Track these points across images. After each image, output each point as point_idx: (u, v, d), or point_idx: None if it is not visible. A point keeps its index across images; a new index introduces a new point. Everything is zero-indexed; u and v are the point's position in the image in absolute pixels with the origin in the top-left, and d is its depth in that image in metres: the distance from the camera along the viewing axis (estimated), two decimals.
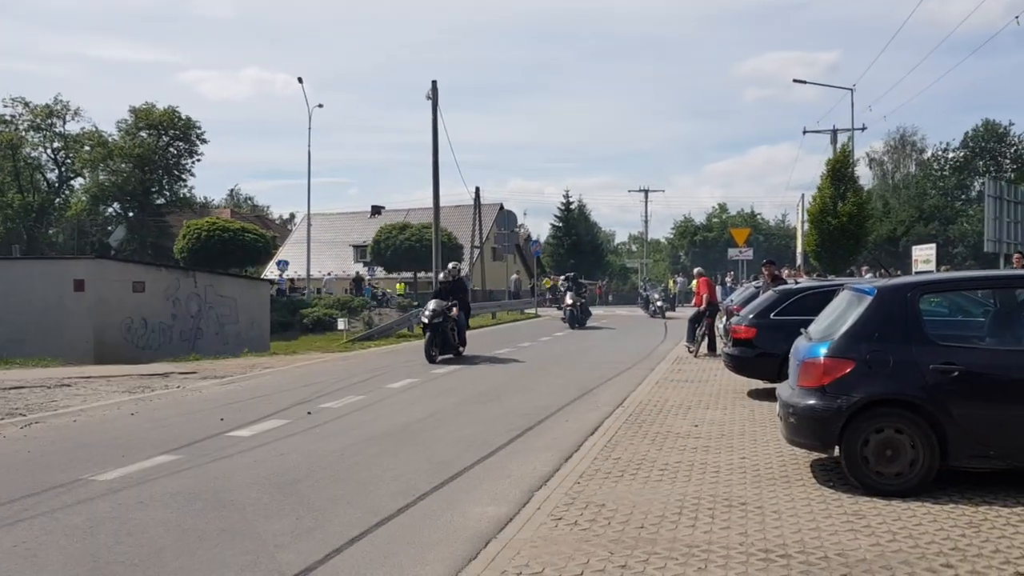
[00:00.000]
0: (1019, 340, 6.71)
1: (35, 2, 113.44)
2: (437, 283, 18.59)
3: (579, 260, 71.91)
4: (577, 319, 27.04)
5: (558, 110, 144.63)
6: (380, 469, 7.53)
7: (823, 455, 7.18)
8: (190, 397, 12.00)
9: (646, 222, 74.18)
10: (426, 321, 16.32)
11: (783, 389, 7.18)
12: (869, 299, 6.69)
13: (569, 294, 27.97)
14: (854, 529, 5.47)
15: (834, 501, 6.14)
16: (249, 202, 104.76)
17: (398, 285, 49.73)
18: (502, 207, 60.39)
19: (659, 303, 33.64)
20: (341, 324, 23.26)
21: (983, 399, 6.21)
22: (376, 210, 70.70)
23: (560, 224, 75.74)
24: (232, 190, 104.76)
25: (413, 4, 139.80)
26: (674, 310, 35.82)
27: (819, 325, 7.21)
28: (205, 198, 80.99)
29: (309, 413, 10.36)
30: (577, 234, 74.73)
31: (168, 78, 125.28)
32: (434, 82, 33.64)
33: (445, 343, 16.48)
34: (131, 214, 60.62)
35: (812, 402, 6.51)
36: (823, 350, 6.57)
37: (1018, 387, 6.19)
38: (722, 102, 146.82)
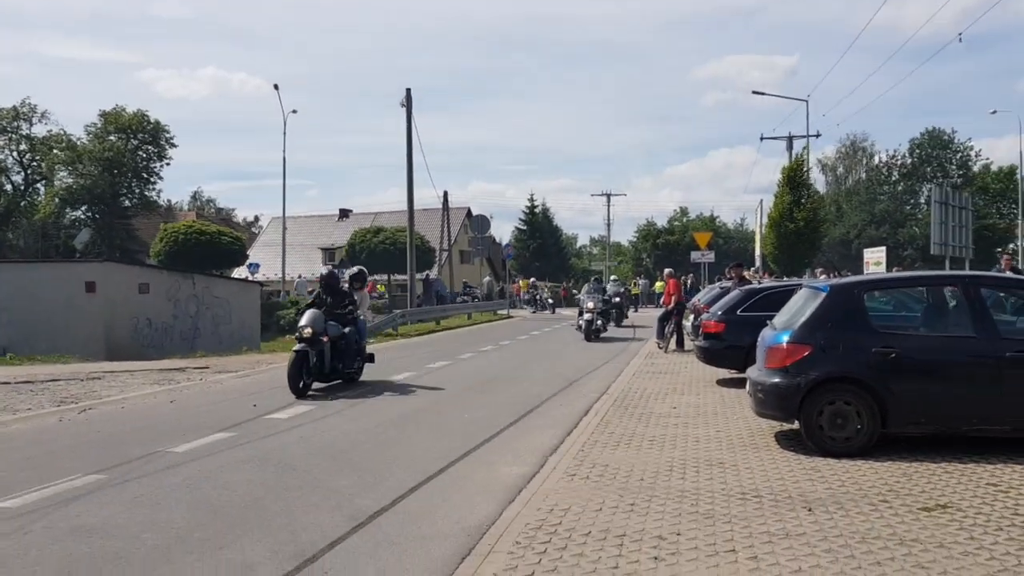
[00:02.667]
0: (945, 328, 8.17)
1: None
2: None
3: (544, 263, 73.47)
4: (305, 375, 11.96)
5: (519, 114, 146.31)
6: (410, 443, 8.78)
7: (784, 426, 8.60)
8: (215, 388, 13.12)
9: (608, 225, 76.11)
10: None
11: (752, 371, 8.57)
12: (823, 295, 8.10)
13: (307, 316, 12.65)
14: (812, 479, 6.85)
15: (795, 460, 7.52)
16: (212, 204, 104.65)
17: (379, 286, 50.64)
18: (470, 211, 61.80)
19: (589, 316, 21.93)
20: None
21: (916, 376, 7.63)
22: (344, 213, 71.59)
23: (525, 227, 77.28)
24: (196, 193, 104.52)
25: (373, 7, 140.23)
26: (626, 316, 29.05)
27: (782, 317, 8.62)
28: (169, 201, 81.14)
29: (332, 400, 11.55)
30: (542, 237, 76.28)
31: (124, 77, 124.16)
32: (408, 90, 34.80)
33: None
34: (97, 217, 60.62)
35: (776, 380, 7.90)
36: (786, 337, 7.97)
37: (944, 366, 7.63)
38: (682, 106, 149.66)
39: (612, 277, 30.63)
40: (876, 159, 72.03)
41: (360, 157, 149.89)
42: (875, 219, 65.87)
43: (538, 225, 76.87)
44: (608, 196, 75.05)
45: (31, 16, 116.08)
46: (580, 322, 22.57)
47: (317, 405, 11.10)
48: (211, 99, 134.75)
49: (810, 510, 5.92)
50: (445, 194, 54.37)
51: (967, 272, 10.50)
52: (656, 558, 4.96)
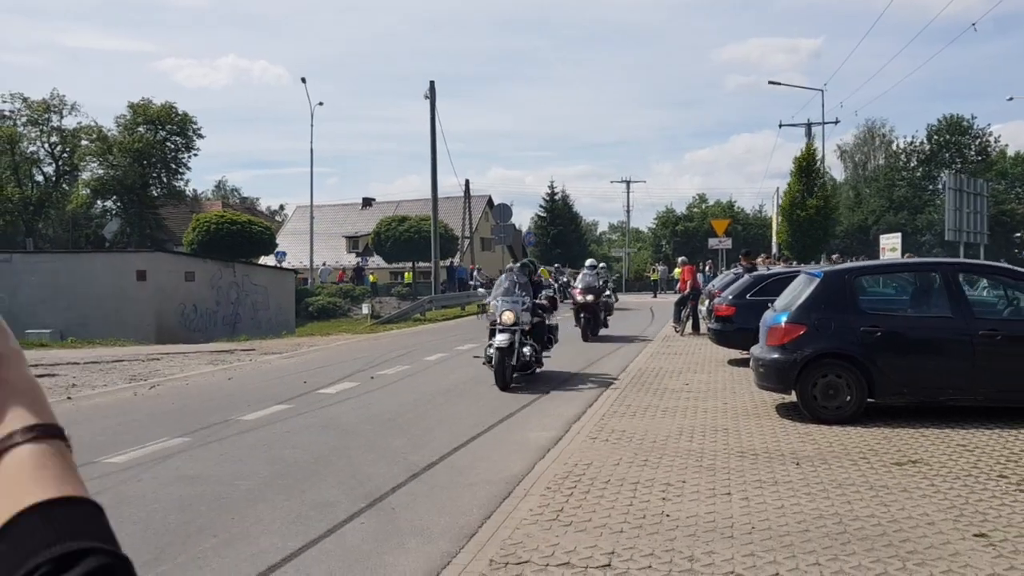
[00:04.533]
0: (926, 309, 9.14)
1: None
2: None
3: (564, 249, 74.34)
4: None
5: (538, 99, 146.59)
6: (448, 413, 9.86)
7: (784, 398, 9.60)
8: (265, 367, 14.29)
9: (628, 212, 76.74)
10: None
11: (755, 349, 9.58)
12: (818, 280, 9.09)
13: None
14: (803, 441, 7.85)
15: (791, 426, 8.53)
16: (236, 193, 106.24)
17: (406, 275, 51.80)
18: (491, 199, 62.97)
19: (504, 340, 11.60)
20: (365, 309, 25.63)
21: (899, 351, 8.61)
22: (367, 202, 72.99)
23: (545, 214, 78.11)
24: (220, 182, 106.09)
25: None
26: (605, 325, 19.97)
27: (782, 301, 9.61)
28: (194, 190, 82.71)
29: (372, 378, 12.68)
30: (562, 224, 77.06)
31: (144, 67, 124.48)
32: (432, 83, 35.75)
33: None
34: (131, 209, 62.23)
35: (776, 356, 8.90)
36: (784, 318, 8.97)
37: (923, 343, 8.61)
38: (703, 90, 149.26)
39: (588, 262, 20.46)
40: (895, 144, 72.28)
41: (379, 144, 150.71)
42: (893, 205, 66.17)
43: (558, 212, 77.59)
44: (628, 183, 75.81)
45: (47, 5, 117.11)
46: (489, 351, 12.00)
47: (360, 383, 12.21)
48: (232, 88, 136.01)
49: (798, 464, 6.94)
50: (467, 183, 55.47)
51: (948, 259, 11.44)
52: (664, 498, 6.00)
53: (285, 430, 8.70)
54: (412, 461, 7.36)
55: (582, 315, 18.58)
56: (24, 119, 64.62)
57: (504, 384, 11.51)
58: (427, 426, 8.98)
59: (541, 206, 78.99)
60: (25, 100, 64.24)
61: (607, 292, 20.93)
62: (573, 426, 8.88)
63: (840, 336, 8.70)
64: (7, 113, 63.45)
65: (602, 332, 19.38)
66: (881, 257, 34.35)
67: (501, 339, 11.64)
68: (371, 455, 7.60)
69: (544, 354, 12.84)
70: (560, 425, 9.01)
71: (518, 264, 14.12)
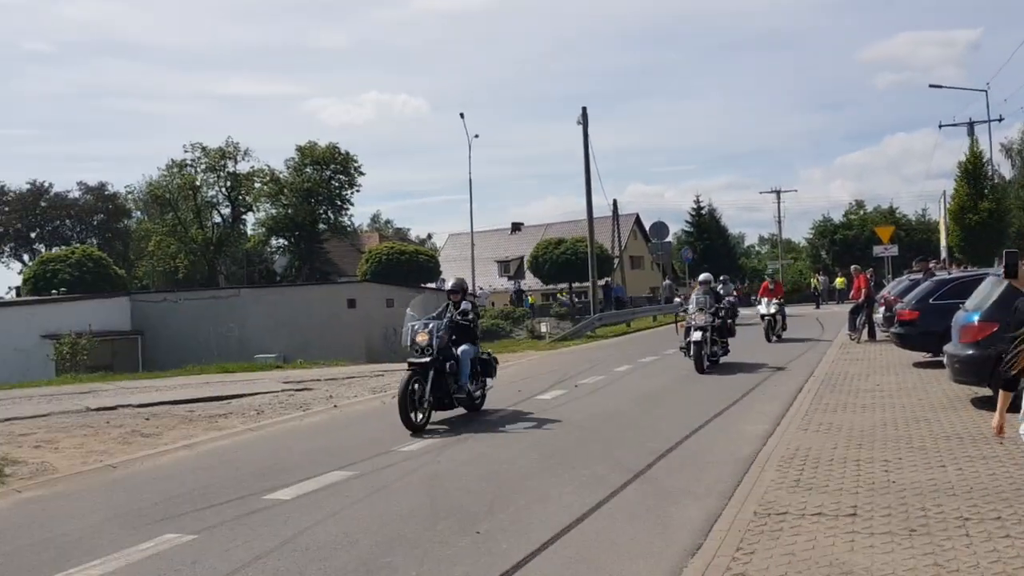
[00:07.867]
0: None
1: (161, 45, 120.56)
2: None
3: (713, 264, 74.07)
4: None
5: (675, 112, 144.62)
6: (666, 411, 11.15)
7: (976, 391, 10.33)
8: None
9: (779, 223, 75.62)
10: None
11: (948, 347, 10.38)
12: (1007, 281, 9.83)
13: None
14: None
15: (988, 416, 9.16)
16: (391, 225, 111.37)
17: (560, 294, 53.75)
18: (638, 217, 64.03)
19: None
20: (544, 327, 27.32)
21: None
22: (516, 227, 75.41)
23: (692, 229, 78.13)
24: (375, 215, 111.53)
25: (518, 18, 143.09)
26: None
27: (972, 301, 10.38)
28: (352, 223, 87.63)
29: (576, 386, 14.12)
30: (709, 238, 76.83)
31: (292, 108, 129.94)
32: (584, 108, 37.21)
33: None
34: (302, 245, 66.95)
35: (971, 352, 9.70)
36: (976, 317, 9.77)
37: None
38: (851, 91, 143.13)
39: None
40: None
41: (514, 168, 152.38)
42: None
43: (705, 226, 77.45)
44: (778, 193, 74.80)
45: (203, 58, 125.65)
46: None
47: (567, 391, 13.67)
48: (374, 122, 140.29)
49: (1002, 443, 7.79)
50: (615, 202, 56.55)
51: None
52: (886, 470, 7.05)
53: (528, 425, 10.22)
54: (651, 448, 8.67)
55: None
56: (203, 166, 70.83)
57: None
58: (650, 421, 10.29)
59: (687, 221, 79.07)
60: (204, 149, 70.41)
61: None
62: (782, 421, 9.96)
63: None
64: (189, 162, 69.77)
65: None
66: None
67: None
68: (611, 444, 8.96)
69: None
70: (769, 420, 10.10)
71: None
